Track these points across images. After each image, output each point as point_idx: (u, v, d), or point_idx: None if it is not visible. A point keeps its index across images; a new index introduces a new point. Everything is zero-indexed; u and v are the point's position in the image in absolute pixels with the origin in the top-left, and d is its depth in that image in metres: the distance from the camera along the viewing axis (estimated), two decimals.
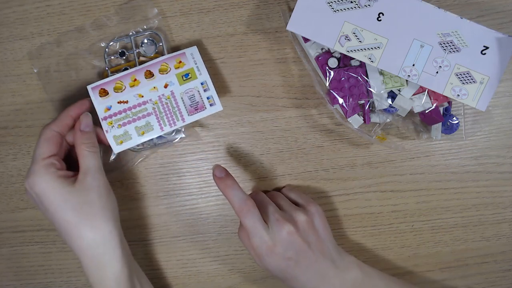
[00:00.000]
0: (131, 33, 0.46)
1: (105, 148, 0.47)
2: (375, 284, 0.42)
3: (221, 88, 0.48)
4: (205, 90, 0.44)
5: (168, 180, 0.49)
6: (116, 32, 0.46)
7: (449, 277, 0.50)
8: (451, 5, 0.48)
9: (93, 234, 0.38)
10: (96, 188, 0.38)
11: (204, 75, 0.44)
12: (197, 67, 0.44)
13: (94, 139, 0.41)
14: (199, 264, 0.50)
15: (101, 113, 0.43)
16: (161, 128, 0.44)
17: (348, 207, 0.49)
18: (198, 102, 0.44)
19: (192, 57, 0.44)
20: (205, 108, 0.44)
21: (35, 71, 0.47)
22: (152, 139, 0.45)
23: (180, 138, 0.46)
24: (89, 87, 0.44)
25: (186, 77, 0.44)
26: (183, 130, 0.46)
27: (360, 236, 0.50)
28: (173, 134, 0.46)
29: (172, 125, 0.44)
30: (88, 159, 0.39)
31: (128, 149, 0.44)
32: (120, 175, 0.48)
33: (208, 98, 0.44)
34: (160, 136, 0.45)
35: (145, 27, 0.46)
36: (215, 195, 0.49)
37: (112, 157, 0.46)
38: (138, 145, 0.46)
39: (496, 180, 0.49)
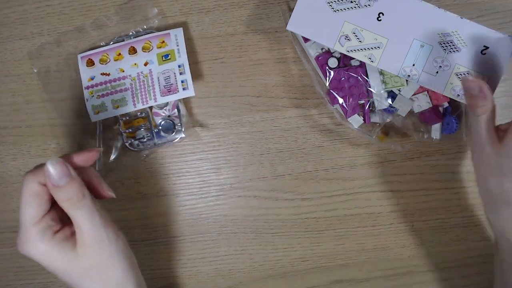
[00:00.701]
0: (131, 33, 0.46)
1: (106, 149, 0.47)
2: None
3: (221, 88, 0.48)
4: (180, 73, 0.44)
5: (168, 180, 0.49)
6: (116, 32, 0.46)
7: (449, 277, 0.50)
8: (451, 5, 0.48)
9: (108, 281, 0.34)
10: (99, 248, 0.33)
11: (183, 58, 0.44)
12: (178, 49, 0.44)
13: (76, 189, 0.31)
14: (199, 264, 0.50)
15: (85, 82, 0.45)
16: (134, 104, 0.45)
17: (348, 207, 0.49)
18: (172, 84, 0.44)
19: (175, 39, 0.44)
20: (178, 91, 0.44)
21: (35, 71, 0.47)
22: (152, 139, 0.45)
23: (180, 138, 0.47)
24: (79, 56, 0.45)
25: (166, 57, 0.44)
26: (183, 130, 0.46)
27: (360, 236, 0.50)
28: (173, 134, 0.46)
29: (145, 103, 0.45)
30: (77, 218, 0.32)
31: (128, 149, 0.44)
32: (120, 175, 0.48)
33: (182, 81, 0.44)
34: (160, 136, 0.46)
35: (145, 27, 0.46)
36: (215, 195, 0.49)
37: (112, 157, 0.46)
38: (138, 145, 0.46)
39: None
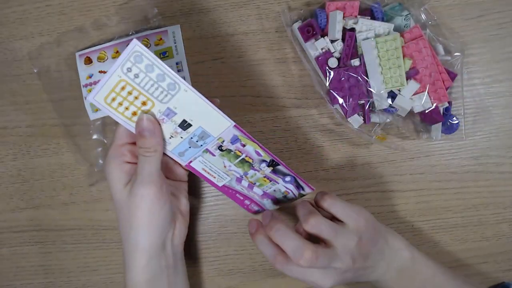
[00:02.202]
0: (131, 33, 0.46)
1: (106, 149, 0.47)
2: (421, 271, 0.42)
3: (221, 88, 0.48)
4: (179, 71, 0.44)
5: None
6: (116, 32, 0.46)
7: None
8: (451, 5, 0.48)
9: (127, 235, 0.38)
10: (140, 196, 0.36)
11: (180, 56, 0.44)
12: (175, 46, 0.44)
13: (154, 143, 0.36)
14: (199, 264, 0.49)
15: (83, 80, 0.45)
16: None
17: None
18: None
19: (173, 36, 0.44)
20: None
21: (35, 71, 0.47)
22: None
23: None
24: (77, 54, 0.45)
25: (163, 55, 0.44)
26: None
27: None
28: None
29: None
30: (141, 164, 0.36)
31: None
32: None
33: None
34: None
35: (145, 27, 0.46)
36: (215, 195, 0.49)
37: None
38: None
39: (496, 180, 0.49)
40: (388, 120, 0.46)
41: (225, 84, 0.48)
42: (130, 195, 0.37)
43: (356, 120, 0.45)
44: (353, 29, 0.44)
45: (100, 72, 0.45)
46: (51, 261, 0.49)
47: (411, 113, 0.46)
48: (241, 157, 0.39)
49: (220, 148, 0.38)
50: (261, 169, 0.40)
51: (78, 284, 0.50)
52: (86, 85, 0.45)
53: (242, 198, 0.43)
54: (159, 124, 0.36)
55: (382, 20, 0.44)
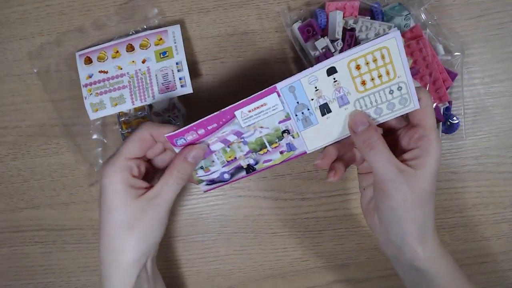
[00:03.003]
0: (131, 33, 0.46)
1: (106, 149, 0.47)
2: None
3: (221, 88, 0.48)
4: (178, 70, 0.44)
5: None
6: (116, 32, 0.46)
7: None
8: (451, 5, 0.48)
9: (118, 255, 0.36)
10: (151, 216, 0.36)
11: (180, 55, 0.44)
12: (175, 46, 0.44)
13: (189, 172, 0.36)
14: (199, 264, 0.49)
15: (83, 80, 0.45)
16: (132, 102, 0.45)
17: (348, 207, 0.49)
18: (170, 81, 0.44)
19: (173, 36, 0.44)
20: (176, 88, 0.44)
21: (35, 71, 0.47)
22: None
23: None
24: (77, 54, 0.45)
25: (164, 55, 0.44)
26: None
27: (360, 236, 0.50)
28: None
29: (143, 100, 0.45)
30: (169, 187, 0.36)
31: None
32: None
33: (180, 78, 0.44)
34: None
35: (145, 27, 0.46)
36: (215, 195, 0.49)
37: None
38: None
39: (496, 180, 0.49)
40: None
41: (225, 84, 0.48)
42: (140, 212, 0.35)
43: None
44: (353, 29, 0.44)
45: (100, 72, 0.45)
46: (51, 261, 0.49)
47: None
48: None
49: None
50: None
51: (78, 284, 0.50)
52: (86, 85, 0.45)
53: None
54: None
55: (382, 20, 0.44)
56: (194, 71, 0.47)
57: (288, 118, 0.36)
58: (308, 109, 0.36)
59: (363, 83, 0.35)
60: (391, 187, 0.34)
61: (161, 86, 0.44)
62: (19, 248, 0.49)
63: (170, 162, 0.37)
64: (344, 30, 0.44)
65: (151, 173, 0.39)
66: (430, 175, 0.34)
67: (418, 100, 0.34)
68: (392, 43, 0.33)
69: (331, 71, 0.34)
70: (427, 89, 0.44)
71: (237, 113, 0.35)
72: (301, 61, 0.47)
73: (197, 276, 0.50)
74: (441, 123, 0.46)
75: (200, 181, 0.39)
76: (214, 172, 0.39)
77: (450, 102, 0.46)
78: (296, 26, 0.45)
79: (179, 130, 0.35)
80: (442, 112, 0.46)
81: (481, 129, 0.49)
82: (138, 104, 0.45)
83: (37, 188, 0.49)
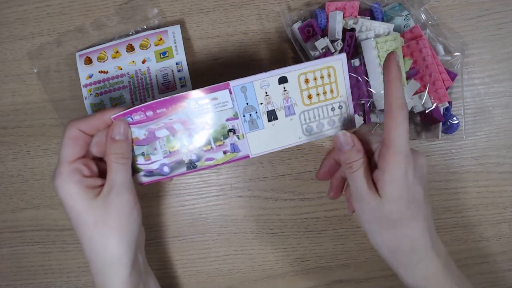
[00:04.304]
0: (131, 33, 0.46)
1: None
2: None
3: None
4: (178, 71, 0.44)
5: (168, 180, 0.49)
6: (116, 32, 0.46)
7: None
8: (451, 5, 0.48)
9: (103, 252, 0.36)
10: (117, 206, 0.35)
11: (180, 56, 0.45)
12: (175, 46, 0.45)
13: (126, 149, 0.36)
14: (199, 264, 0.50)
15: (83, 80, 0.45)
16: (133, 102, 0.45)
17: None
18: (170, 81, 0.44)
19: (173, 36, 0.45)
20: (176, 88, 0.44)
21: (35, 71, 0.47)
22: None
23: None
24: (77, 54, 0.45)
25: (164, 55, 0.44)
26: None
27: (360, 236, 0.50)
28: None
29: (143, 101, 0.45)
30: (115, 172, 0.35)
31: None
32: None
33: (180, 78, 0.44)
34: None
35: (145, 27, 0.46)
36: (215, 195, 0.49)
37: None
38: None
39: (496, 180, 0.49)
40: None
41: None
42: (105, 208, 0.35)
43: (356, 120, 0.45)
44: (353, 29, 0.44)
45: (100, 72, 0.45)
46: (51, 261, 0.49)
47: (411, 113, 0.46)
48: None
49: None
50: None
51: (78, 284, 0.50)
52: (86, 85, 0.45)
53: None
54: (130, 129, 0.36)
55: (382, 20, 0.44)
56: (194, 71, 0.47)
57: (236, 117, 0.37)
58: (256, 112, 0.37)
59: (309, 96, 0.37)
60: (359, 209, 0.35)
61: (161, 86, 0.44)
62: (19, 248, 0.49)
63: None
64: (344, 30, 0.44)
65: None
66: (391, 202, 0.33)
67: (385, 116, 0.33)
68: (338, 64, 0.35)
69: (283, 80, 0.36)
70: (427, 89, 0.44)
71: (187, 101, 0.35)
72: (301, 61, 0.47)
73: (197, 276, 0.50)
74: (440, 123, 0.46)
75: (139, 170, 0.38)
76: (154, 162, 0.38)
77: (450, 102, 0.46)
78: (296, 26, 0.45)
79: (126, 110, 0.35)
80: (442, 112, 0.46)
81: (481, 129, 0.49)
82: (138, 104, 0.44)
83: (37, 188, 0.49)
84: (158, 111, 0.36)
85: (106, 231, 0.35)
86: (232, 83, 0.35)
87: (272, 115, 0.37)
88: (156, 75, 0.44)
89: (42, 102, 0.48)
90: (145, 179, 0.39)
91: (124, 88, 0.45)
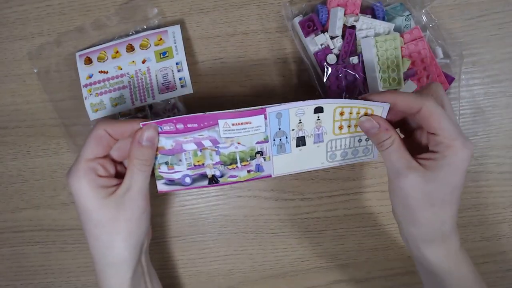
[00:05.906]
0: (131, 33, 0.46)
1: None
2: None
3: (221, 88, 0.48)
4: (178, 71, 0.44)
5: None
6: (116, 32, 0.46)
7: None
8: (451, 5, 0.48)
9: (108, 252, 0.36)
10: (128, 211, 0.35)
11: (180, 56, 0.44)
12: (175, 46, 0.45)
13: (150, 156, 0.36)
14: (199, 264, 0.49)
15: (83, 80, 0.45)
16: (133, 102, 0.45)
17: (348, 207, 0.49)
18: (170, 81, 0.44)
19: (173, 36, 0.44)
20: (176, 88, 0.44)
21: (35, 71, 0.47)
22: None
23: None
24: (77, 54, 0.45)
25: (164, 55, 0.44)
26: None
27: (360, 236, 0.50)
28: None
29: (143, 101, 0.45)
30: (134, 177, 0.35)
31: None
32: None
33: (180, 78, 0.44)
34: None
35: (145, 27, 0.46)
36: (215, 195, 0.49)
37: None
38: None
39: (496, 180, 0.49)
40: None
41: (225, 84, 0.48)
42: (116, 209, 0.35)
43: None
44: (353, 27, 0.44)
45: (100, 72, 0.45)
46: (51, 261, 0.49)
47: None
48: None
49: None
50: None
51: (78, 284, 0.50)
52: (86, 85, 0.45)
53: None
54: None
55: (383, 19, 0.44)
56: (194, 71, 0.47)
57: (266, 140, 0.37)
58: (286, 138, 0.38)
59: (341, 127, 0.38)
60: (395, 184, 0.35)
61: (161, 86, 0.44)
62: (19, 248, 0.49)
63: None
64: (345, 27, 0.44)
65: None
66: (443, 179, 0.34)
67: (419, 109, 0.33)
68: (378, 110, 0.36)
69: (318, 110, 0.37)
70: None
71: (220, 121, 0.36)
72: (302, 61, 0.47)
73: (197, 276, 0.50)
74: None
75: (160, 178, 0.38)
76: (177, 172, 0.38)
77: None
78: (297, 20, 0.45)
79: (157, 120, 0.35)
80: None
81: (481, 129, 0.49)
82: (138, 104, 0.45)
83: (37, 188, 0.49)
84: (189, 125, 0.36)
85: (113, 232, 0.35)
86: (269, 109, 0.36)
87: (301, 141, 0.38)
88: (156, 75, 0.44)
89: (42, 102, 0.48)
90: (165, 188, 0.39)
91: (124, 88, 0.45)
